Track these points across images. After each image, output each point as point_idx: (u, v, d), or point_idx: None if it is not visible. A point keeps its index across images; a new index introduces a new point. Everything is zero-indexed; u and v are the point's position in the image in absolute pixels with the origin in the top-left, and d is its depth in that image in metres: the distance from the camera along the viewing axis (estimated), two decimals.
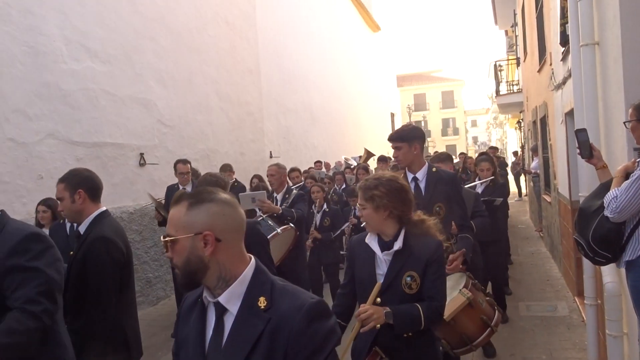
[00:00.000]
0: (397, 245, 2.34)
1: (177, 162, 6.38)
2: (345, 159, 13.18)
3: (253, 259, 1.47)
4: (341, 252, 6.46)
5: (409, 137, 3.40)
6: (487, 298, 3.12)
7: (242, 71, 10.60)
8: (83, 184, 2.73)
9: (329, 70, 16.56)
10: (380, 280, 2.36)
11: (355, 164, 12.36)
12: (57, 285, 2.19)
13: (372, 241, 2.43)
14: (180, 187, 6.23)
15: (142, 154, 7.40)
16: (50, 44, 6.03)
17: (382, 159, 10.66)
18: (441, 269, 2.38)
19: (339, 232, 6.18)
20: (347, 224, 6.37)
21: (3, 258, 2.08)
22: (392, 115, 26.43)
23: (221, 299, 1.39)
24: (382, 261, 2.38)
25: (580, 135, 2.95)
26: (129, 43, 7.29)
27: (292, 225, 4.96)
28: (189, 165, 6.35)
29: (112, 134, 6.87)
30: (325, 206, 6.14)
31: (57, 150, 6.03)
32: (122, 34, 7.16)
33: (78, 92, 6.37)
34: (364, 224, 5.39)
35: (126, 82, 7.19)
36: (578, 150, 3.01)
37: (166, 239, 1.39)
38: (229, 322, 1.40)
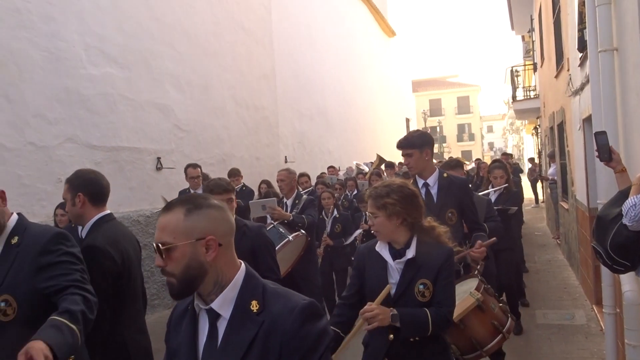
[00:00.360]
0: (410, 253, 2.30)
1: (188, 166, 6.44)
2: (357, 164, 13.14)
3: (243, 264, 1.47)
4: (352, 258, 6.44)
5: (419, 144, 3.35)
6: (500, 304, 3.08)
7: (257, 76, 10.67)
8: (83, 187, 2.63)
9: (344, 76, 16.57)
10: (393, 289, 2.32)
11: (367, 169, 12.33)
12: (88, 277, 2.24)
13: (383, 249, 2.37)
14: (192, 191, 6.29)
15: (158, 158, 7.48)
16: (70, 49, 6.14)
17: (389, 165, 10.62)
18: (451, 275, 2.35)
19: (352, 238, 6.16)
20: (359, 231, 6.34)
21: (36, 255, 2.13)
22: (408, 120, 26.35)
23: (214, 305, 1.39)
24: (394, 270, 2.33)
25: (600, 139, 2.91)
26: (147, 49, 7.39)
27: (303, 231, 4.94)
28: (199, 170, 6.40)
29: (129, 139, 6.96)
30: (335, 212, 6.10)
31: (76, 154, 6.12)
32: (140, 39, 7.26)
33: (97, 97, 6.47)
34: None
35: (144, 87, 7.28)
36: (597, 153, 2.97)
37: (165, 246, 1.35)
38: (222, 327, 1.40)
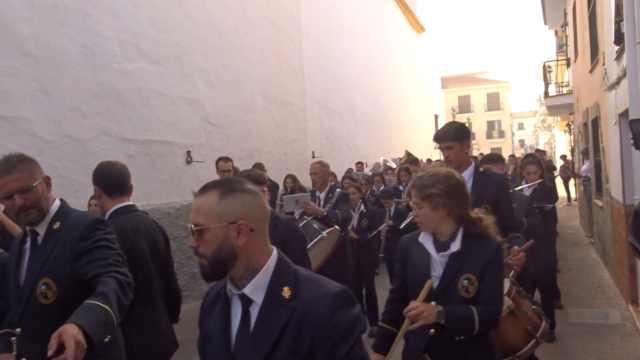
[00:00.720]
0: (455, 246, 2.19)
1: (219, 159, 6.44)
2: (384, 160, 13.09)
3: (275, 250, 1.46)
4: (380, 255, 6.41)
5: (460, 136, 3.25)
6: (534, 307, 2.98)
7: (286, 72, 10.72)
8: (98, 180, 2.66)
9: (372, 72, 16.51)
10: (435, 283, 2.21)
11: (394, 165, 12.28)
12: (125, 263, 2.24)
13: (426, 241, 2.26)
14: None
15: (189, 152, 7.59)
16: (105, 45, 6.28)
17: (414, 161, 10.54)
18: (500, 272, 2.22)
19: (375, 232, 6.13)
20: (383, 225, 6.32)
21: (76, 241, 2.17)
22: (436, 117, 26.10)
23: (246, 290, 1.39)
24: (438, 263, 2.22)
25: (635, 126, 2.83)
26: (179, 44, 7.51)
27: (337, 227, 4.84)
28: (230, 163, 6.41)
29: (161, 132, 7.09)
30: (362, 207, 6.06)
31: (110, 147, 6.26)
32: (172, 35, 7.38)
33: (130, 91, 6.61)
34: (402, 225, 5.23)
35: (175, 82, 7.41)
36: (632, 141, 2.89)
37: (197, 227, 1.36)
38: (254, 313, 1.40)
